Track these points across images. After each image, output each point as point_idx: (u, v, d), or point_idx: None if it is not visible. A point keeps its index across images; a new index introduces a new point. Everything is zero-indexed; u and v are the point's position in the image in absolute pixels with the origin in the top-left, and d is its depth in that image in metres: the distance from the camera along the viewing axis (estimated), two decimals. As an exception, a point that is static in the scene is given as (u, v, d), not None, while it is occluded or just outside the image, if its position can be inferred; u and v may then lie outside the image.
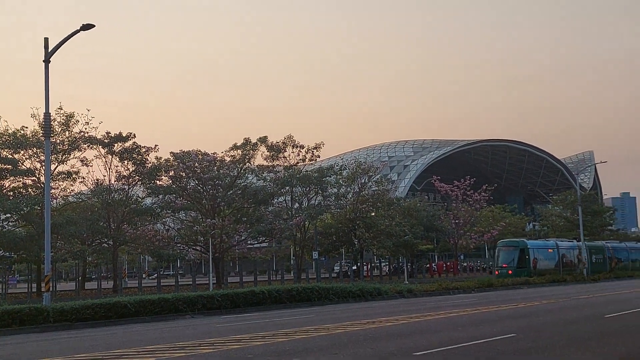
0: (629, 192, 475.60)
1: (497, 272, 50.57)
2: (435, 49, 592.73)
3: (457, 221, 64.80)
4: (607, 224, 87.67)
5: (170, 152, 50.11)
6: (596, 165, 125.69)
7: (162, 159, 49.41)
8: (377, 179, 60.52)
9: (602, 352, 11.97)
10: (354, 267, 58.37)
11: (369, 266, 60.01)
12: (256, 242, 57.08)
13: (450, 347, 12.87)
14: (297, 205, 55.41)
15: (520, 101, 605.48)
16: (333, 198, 56.27)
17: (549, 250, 55.06)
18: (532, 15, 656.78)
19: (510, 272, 49.02)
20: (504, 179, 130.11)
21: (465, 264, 71.45)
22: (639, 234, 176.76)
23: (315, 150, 53.53)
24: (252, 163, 52.13)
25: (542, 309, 23.27)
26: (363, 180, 57.04)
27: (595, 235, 79.65)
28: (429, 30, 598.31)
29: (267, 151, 52.58)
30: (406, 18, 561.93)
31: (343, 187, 56.46)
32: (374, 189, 59.13)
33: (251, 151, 50.80)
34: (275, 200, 54.99)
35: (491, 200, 72.53)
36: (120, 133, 46.97)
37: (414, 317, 20.58)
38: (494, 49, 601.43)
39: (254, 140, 51.11)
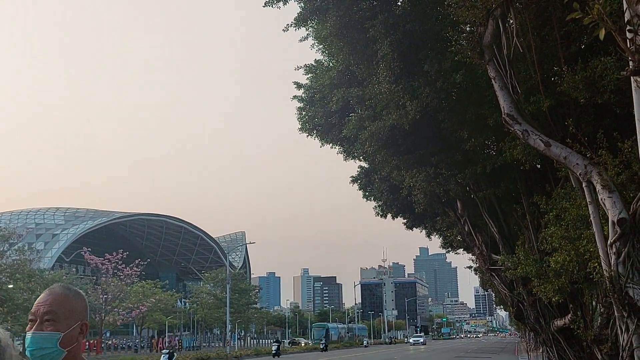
0: (274, 272, 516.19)
1: (312, 343, 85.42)
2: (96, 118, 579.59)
3: (105, 296, 61.86)
4: (253, 302, 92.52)
5: None
6: (247, 245, 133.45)
7: None
8: (19, 247, 54.88)
9: None
10: (-20, 347, 51.23)
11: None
12: None
13: None
14: None
15: (178, 180, 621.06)
16: (-38, 266, 49.17)
17: (338, 329, 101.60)
18: (192, 102, 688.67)
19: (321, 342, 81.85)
20: (159, 254, 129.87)
21: (110, 342, 68.04)
22: (280, 312, 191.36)
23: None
24: None
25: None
26: (2, 248, 51.18)
27: (242, 312, 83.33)
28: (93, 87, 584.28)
29: None
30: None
31: (-24, 254, 49.82)
32: (14, 257, 53.37)
33: None
34: None
35: (144, 275, 71.17)
36: None
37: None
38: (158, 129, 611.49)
39: None
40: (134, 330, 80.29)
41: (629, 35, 6.79)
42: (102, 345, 61.19)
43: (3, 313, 48.96)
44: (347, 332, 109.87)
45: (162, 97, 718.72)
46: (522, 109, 10.67)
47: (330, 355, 59.05)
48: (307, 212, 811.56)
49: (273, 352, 54.94)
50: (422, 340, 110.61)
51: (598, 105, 10.80)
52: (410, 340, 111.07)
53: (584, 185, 9.39)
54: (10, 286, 49.88)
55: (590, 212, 9.28)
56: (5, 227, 55.00)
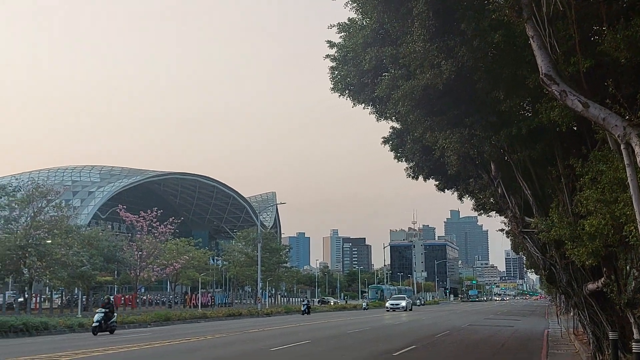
0: (304, 232, 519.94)
1: (369, 302, 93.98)
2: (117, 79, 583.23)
3: (140, 253, 63.15)
4: (283, 261, 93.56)
5: None
6: (277, 205, 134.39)
7: None
8: (57, 203, 56.03)
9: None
10: (20, 299, 52.88)
11: (38, 298, 54.91)
12: None
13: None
14: (-46, 228, 48.47)
15: (213, 141, 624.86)
16: (2, 222, 50.50)
17: (390, 290, 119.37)
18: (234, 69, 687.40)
19: (376, 301, 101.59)
20: (192, 213, 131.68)
21: (145, 297, 69.67)
22: (310, 272, 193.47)
23: (-16, 168, 47.75)
24: None
25: (203, 345, 23.34)
26: (40, 204, 52.31)
27: (272, 271, 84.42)
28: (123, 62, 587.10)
29: None
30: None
31: (16, 210, 51.03)
32: (52, 214, 54.54)
33: None
34: None
35: (177, 233, 72.37)
36: None
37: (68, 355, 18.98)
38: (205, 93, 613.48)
39: None
40: (168, 287, 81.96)
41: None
42: (137, 301, 62.72)
43: (42, 267, 50.37)
44: (397, 293, 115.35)
45: (196, 59, 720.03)
46: (561, 69, 10.44)
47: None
48: (337, 174, 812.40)
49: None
50: (403, 304, 75.54)
51: (639, 66, 10.52)
52: (387, 305, 76.37)
53: (622, 148, 9.21)
54: (49, 242, 51.11)
55: (628, 175, 9.12)
56: (44, 184, 56.10)
